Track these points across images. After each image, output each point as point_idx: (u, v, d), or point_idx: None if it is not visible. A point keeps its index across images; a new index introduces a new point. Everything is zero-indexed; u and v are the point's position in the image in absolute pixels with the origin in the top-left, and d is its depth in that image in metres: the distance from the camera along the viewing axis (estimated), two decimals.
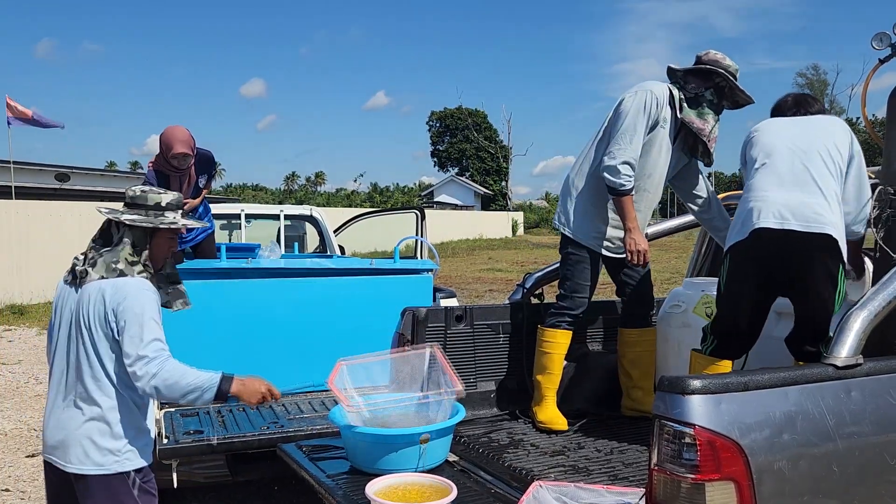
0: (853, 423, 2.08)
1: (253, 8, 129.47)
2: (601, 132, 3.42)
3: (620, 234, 3.38)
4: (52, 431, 2.41)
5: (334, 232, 7.21)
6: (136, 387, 2.32)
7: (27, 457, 5.04)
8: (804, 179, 2.68)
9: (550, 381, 3.43)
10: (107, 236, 2.44)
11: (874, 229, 2.86)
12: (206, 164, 4.90)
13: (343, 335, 4.27)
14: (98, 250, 2.42)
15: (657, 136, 3.33)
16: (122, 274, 2.37)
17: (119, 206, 2.53)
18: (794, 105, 3.00)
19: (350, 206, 41.17)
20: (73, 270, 2.43)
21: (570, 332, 3.45)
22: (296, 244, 7.10)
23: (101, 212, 2.49)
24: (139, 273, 2.41)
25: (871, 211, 2.88)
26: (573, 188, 3.45)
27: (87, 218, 14.48)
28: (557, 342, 3.43)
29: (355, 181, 60.99)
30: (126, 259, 2.40)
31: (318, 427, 3.50)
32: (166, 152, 4.59)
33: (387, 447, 2.74)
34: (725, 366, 2.86)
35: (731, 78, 3.32)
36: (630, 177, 3.24)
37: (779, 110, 3.05)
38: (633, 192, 3.29)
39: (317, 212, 7.44)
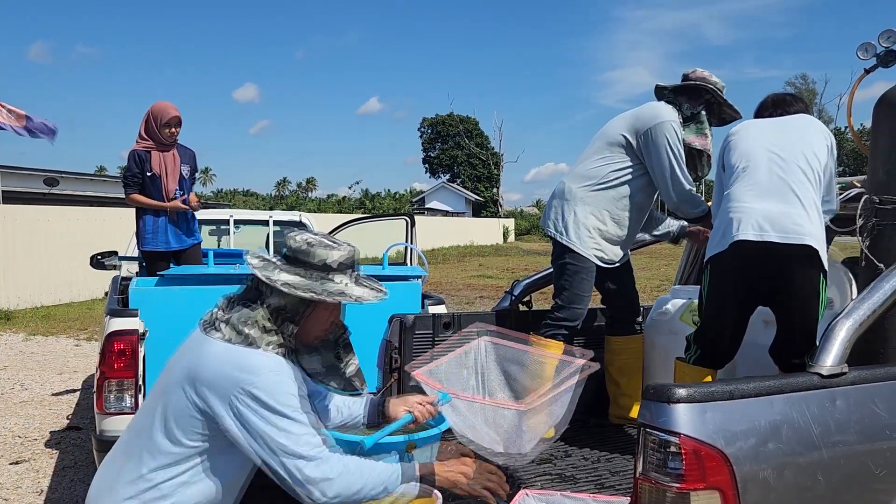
0: (838, 432, 2.08)
1: (248, 13, 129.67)
2: (607, 145, 3.41)
3: (615, 247, 3.44)
4: (97, 497, 1.95)
5: None
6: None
7: (11, 464, 4.99)
8: (783, 188, 2.69)
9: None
10: (252, 293, 1.97)
11: (859, 238, 2.88)
12: (190, 155, 5.13)
13: None
14: (235, 303, 1.95)
15: None
16: (250, 343, 1.86)
17: (264, 254, 2.00)
18: (773, 106, 3.02)
19: (341, 211, 41.17)
20: (207, 314, 1.98)
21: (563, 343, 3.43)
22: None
23: (252, 268, 1.94)
24: (272, 347, 1.89)
25: (857, 219, 2.90)
26: (573, 198, 3.41)
27: (76, 223, 14.41)
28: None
29: (350, 188, 61.02)
30: (260, 323, 1.89)
31: None
32: (159, 120, 4.84)
33: (372, 456, 2.72)
34: (710, 375, 2.87)
35: (719, 94, 3.35)
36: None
37: (759, 113, 3.07)
38: (638, 211, 3.43)
39: (306, 217, 7.42)
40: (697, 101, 3.37)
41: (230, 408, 1.81)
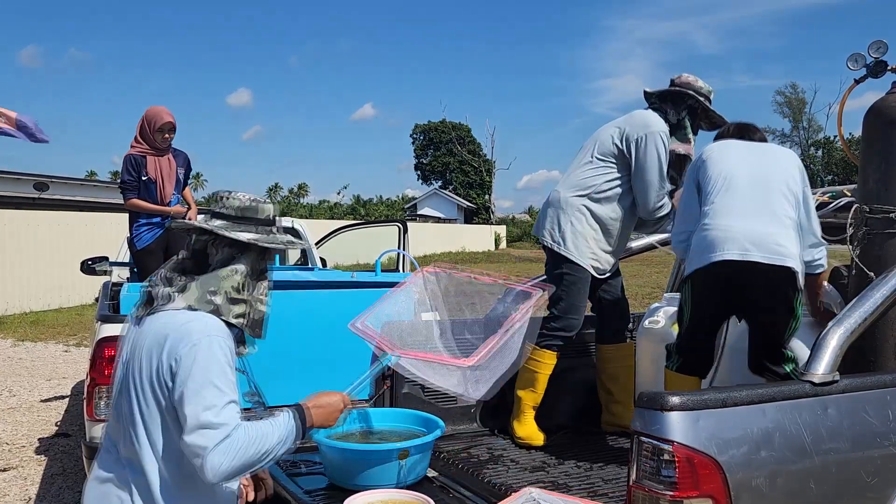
0: (830, 440, 2.09)
1: (242, 18, 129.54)
2: (601, 154, 3.42)
3: (608, 255, 3.48)
4: None
5: (316, 244, 7.19)
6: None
7: None
8: (765, 209, 2.72)
9: (533, 399, 3.42)
10: (201, 257, 1.89)
11: (850, 247, 2.90)
12: (184, 157, 5.15)
13: (322, 348, 4.24)
14: (189, 272, 1.86)
15: None
16: (215, 311, 1.82)
17: (202, 218, 1.96)
18: (737, 133, 3.05)
19: (333, 217, 41.07)
20: (144, 297, 1.86)
21: (559, 354, 3.44)
22: (277, 256, 7.05)
23: (218, 230, 1.86)
24: (236, 317, 1.86)
25: (847, 228, 2.92)
26: (568, 208, 3.42)
27: (65, 227, 14.33)
28: (545, 363, 3.41)
29: (338, 193, 60.84)
30: (228, 293, 1.84)
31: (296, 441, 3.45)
32: (153, 125, 4.86)
33: (365, 463, 2.72)
34: (697, 382, 2.91)
35: (701, 99, 3.38)
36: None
37: (720, 139, 3.09)
38: (630, 220, 3.49)
39: (298, 223, 7.41)
40: (681, 106, 3.40)
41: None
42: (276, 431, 1.82)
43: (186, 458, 1.73)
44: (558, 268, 3.43)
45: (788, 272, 2.64)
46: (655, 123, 3.36)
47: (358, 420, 3.07)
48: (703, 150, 3.02)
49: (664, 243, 4.05)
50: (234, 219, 1.89)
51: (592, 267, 3.42)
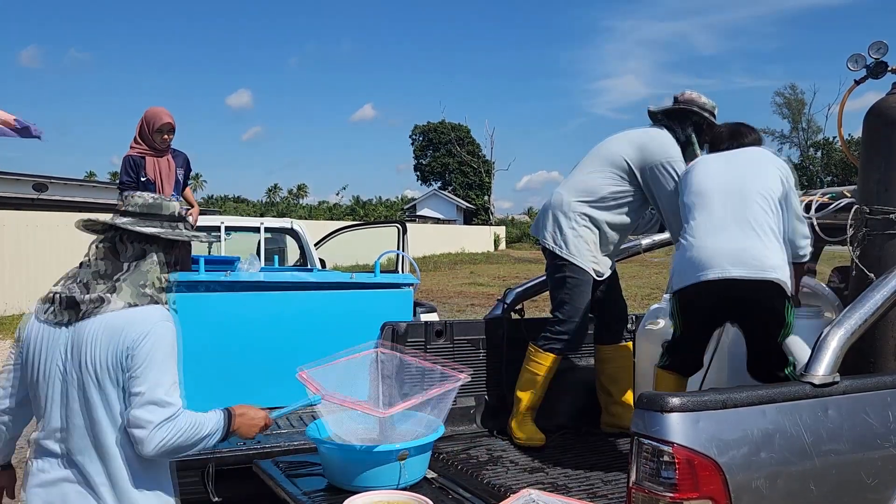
0: (830, 441, 2.09)
1: (242, 18, 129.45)
2: (610, 166, 3.42)
3: (607, 259, 3.50)
4: None
5: (315, 245, 7.18)
6: (135, 447, 1.89)
7: None
8: (739, 223, 2.74)
9: (532, 401, 3.42)
10: (112, 255, 1.98)
11: (850, 248, 2.90)
12: (183, 158, 5.12)
13: (322, 350, 4.22)
14: (110, 274, 1.95)
15: None
16: (152, 301, 1.96)
17: (107, 216, 2.07)
18: (729, 137, 3.09)
19: (332, 218, 41.09)
20: (65, 303, 1.93)
21: (561, 357, 3.44)
22: (276, 257, 7.06)
23: (112, 224, 1.99)
24: (166, 303, 2.01)
25: (847, 229, 2.92)
26: (571, 212, 3.41)
27: (64, 228, 14.31)
28: (548, 366, 3.41)
29: (337, 194, 60.89)
30: (155, 284, 1.98)
31: (295, 443, 3.45)
32: (152, 126, 4.83)
33: (364, 464, 2.71)
34: (677, 379, 3.00)
35: (706, 115, 3.38)
36: None
37: (714, 144, 3.15)
38: (628, 228, 3.52)
39: (297, 224, 7.41)
40: (686, 123, 3.41)
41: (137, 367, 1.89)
42: (209, 425, 1.98)
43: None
44: (560, 271, 3.43)
45: (771, 284, 2.66)
46: (673, 150, 3.35)
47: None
48: (686, 169, 3.09)
49: (649, 248, 4.11)
50: (139, 216, 2.01)
51: (593, 270, 3.42)
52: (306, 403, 2.59)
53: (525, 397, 3.42)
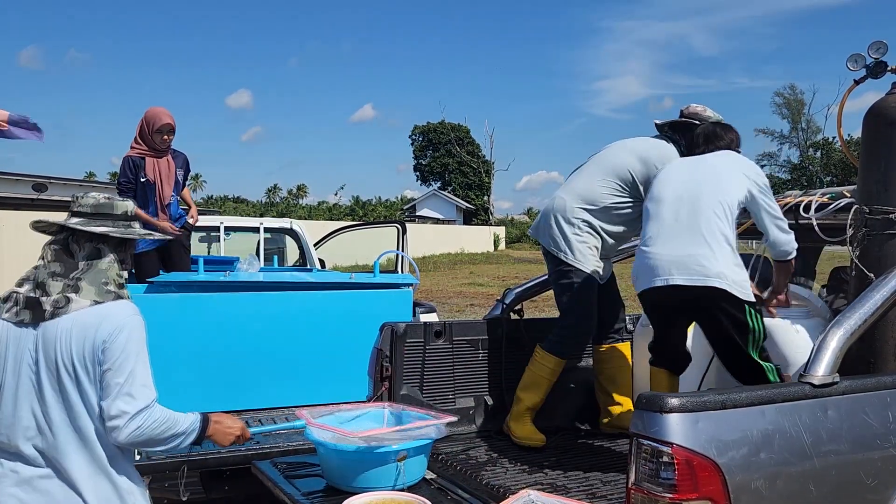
0: (830, 442, 2.08)
1: (242, 18, 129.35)
2: (613, 177, 3.42)
3: (606, 263, 3.57)
4: None
5: (315, 245, 7.18)
6: (111, 437, 1.95)
7: None
8: (689, 230, 2.79)
9: (533, 401, 3.42)
10: (65, 255, 2.01)
11: (850, 248, 2.89)
12: (183, 158, 5.12)
13: (321, 350, 4.23)
14: (65, 273, 1.98)
15: None
16: (117, 297, 2.00)
17: (62, 216, 2.10)
18: (705, 142, 3.13)
19: (331, 219, 41.07)
20: (24, 303, 1.96)
21: (566, 360, 3.45)
22: (275, 257, 7.06)
23: (64, 225, 2.03)
24: (129, 297, 2.05)
25: (847, 229, 2.92)
26: (573, 217, 3.43)
27: None
28: (553, 369, 3.42)
29: (336, 194, 60.87)
30: (115, 280, 2.03)
31: (294, 444, 3.45)
32: (152, 126, 4.83)
33: (363, 465, 2.71)
34: (665, 374, 3.09)
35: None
36: None
37: (691, 148, 3.22)
38: (626, 237, 3.56)
39: (297, 225, 7.41)
40: (689, 136, 3.42)
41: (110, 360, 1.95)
42: (184, 424, 2.03)
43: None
44: (566, 277, 3.43)
45: (714, 291, 2.69)
46: (675, 154, 3.38)
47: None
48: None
49: None
50: (90, 216, 2.05)
51: (597, 274, 3.44)
52: (289, 427, 2.71)
53: (527, 398, 3.41)
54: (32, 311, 1.95)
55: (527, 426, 3.39)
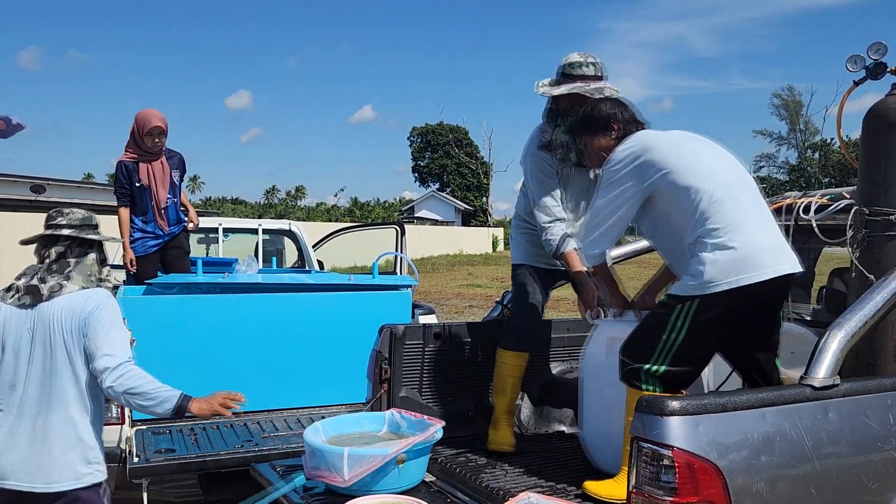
0: (831, 444, 2.08)
1: (242, 19, 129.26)
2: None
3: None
4: (29, 457, 2.42)
5: (314, 247, 7.17)
6: (103, 389, 2.46)
7: None
8: (768, 215, 2.57)
9: (505, 404, 3.36)
10: (61, 256, 2.58)
11: (850, 249, 2.89)
12: (178, 158, 5.06)
13: (320, 351, 4.23)
14: (61, 269, 2.56)
15: None
16: (98, 285, 2.60)
17: (53, 231, 2.63)
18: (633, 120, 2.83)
19: (330, 220, 41.02)
20: (25, 290, 2.52)
21: (525, 353, 3.37)
22: (274, 259, 7.05)
23: (61, 234, 2.59)
24: (110, 287, 2.65)
25: (847, 230, 2.91)
26: (514, 218, 3.55)
27: None
28: (511, 364, 3.36)
29: (335, 196, 60.84)
30: (97, 274, 2.63)
31: (292, 446, 3.44)
32: (142, 129, 4.75)
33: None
34: None
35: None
36: None
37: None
38: None
39: (295, 226, 7.39)
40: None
41: (95, 327, 2.48)
42: (164, 389, 2.45)
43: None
44: (513, 274, 3.48)
45: (794, 279, 2.52)
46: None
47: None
48: (638, 143, 2.62)
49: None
50: (79, 227, 2.63)
51: (530, 268, 3.40)
52: (290, 487, 2.79)
53: (498, 402, 3.36)
54: (32, 296, 2.50)
55: (499, 431, 3.32)
